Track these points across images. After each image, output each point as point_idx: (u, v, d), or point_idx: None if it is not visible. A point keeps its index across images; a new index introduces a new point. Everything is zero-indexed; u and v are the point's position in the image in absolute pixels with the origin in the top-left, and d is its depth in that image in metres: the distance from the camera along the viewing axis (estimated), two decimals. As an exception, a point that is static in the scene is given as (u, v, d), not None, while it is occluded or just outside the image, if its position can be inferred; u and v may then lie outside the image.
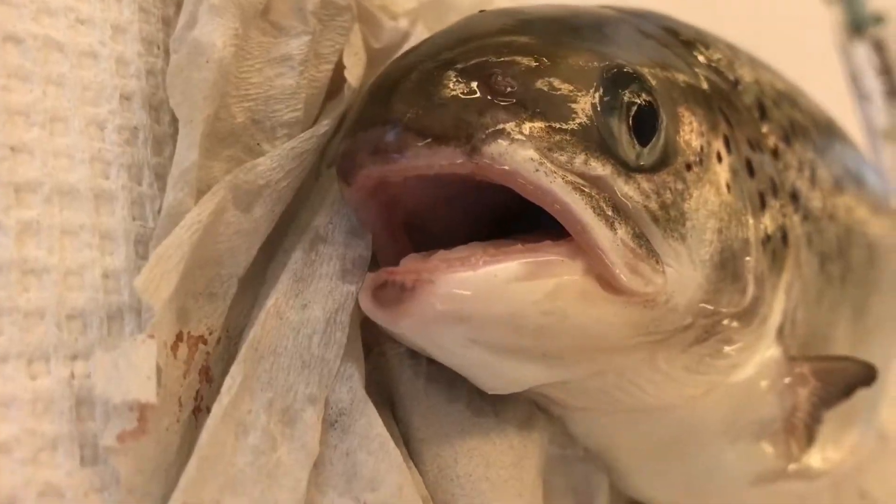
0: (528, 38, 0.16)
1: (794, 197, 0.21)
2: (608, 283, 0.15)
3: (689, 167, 0.16)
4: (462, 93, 0.14)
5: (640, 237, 0.15)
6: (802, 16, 0.80)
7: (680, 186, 0.16)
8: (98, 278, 0.13)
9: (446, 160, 0.13)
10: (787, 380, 0.20)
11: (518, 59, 0.15)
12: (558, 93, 0.15)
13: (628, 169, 0.15)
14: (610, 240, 0.14)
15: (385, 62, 0.16)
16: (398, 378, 0.15)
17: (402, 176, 0.14)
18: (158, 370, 0.12)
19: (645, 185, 0.15)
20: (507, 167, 0.14)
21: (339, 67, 0.16)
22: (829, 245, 0.22)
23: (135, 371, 0.12)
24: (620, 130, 0.15)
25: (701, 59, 0.20)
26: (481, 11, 0.18)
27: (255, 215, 0.14)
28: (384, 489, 0.13)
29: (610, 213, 0.14)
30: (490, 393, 0.15)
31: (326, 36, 0.16)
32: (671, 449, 0.20)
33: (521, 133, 0.14)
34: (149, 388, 0.12)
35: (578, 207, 0.14)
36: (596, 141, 0.15)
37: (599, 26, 0.17)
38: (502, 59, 0.15)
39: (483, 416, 0.16)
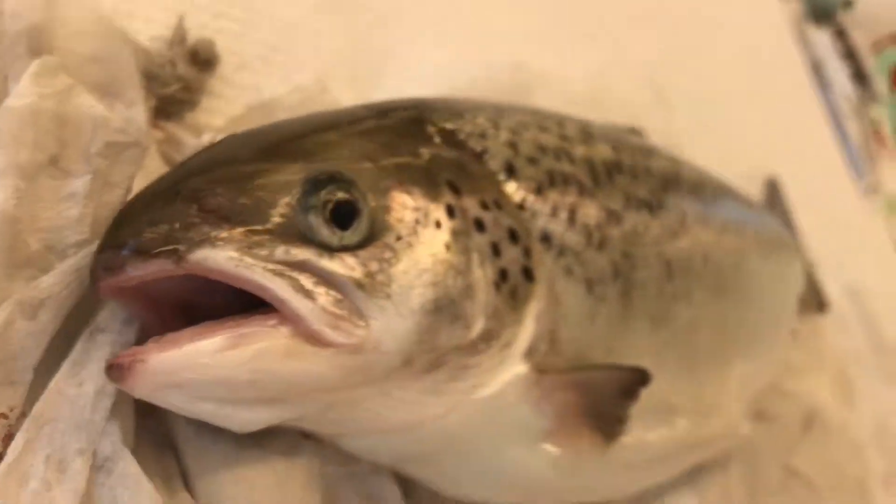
0: (243, 160, 0.20)
1: (546, 239, 0.25)
2: (314, 339, 0.19)
3: (398, 238, 0.20)
4: (173, 214, 0.18)
5: (341, 301, 0.19)
6: (758, 13, 0.84)
7: (388, 255, 0.20)
8: None
9: (160, 269, 0.17)
10: (536, 392, 0.23)
11: (227, 180, 0.19)
12: (261, 203, 0.19)
13: (331, 250, 0.19)
14: (308, 308, 0.18)
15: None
16: (174, 426, 0.19)
17: (131, 284, 0.18)
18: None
19: (349, 260, 0.19)
20: (210, 267, 0.18)
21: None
22: (600, 271, 0.26)
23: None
24: (318, 224, 0.19)
25: (437, 140, 0.23)
26: (230, 135, 0.23)
27: (41, 320, 0.18)
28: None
29: (310, 287, 0.19)
30: (242, 431, 0.20)
31: (116, 168, 0.21)
32: (448, 455, 0.23)
33: (220, 240, 0.18)
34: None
35: (277, 287, 0.18)
36: (296, 235, 0.19)
37: (321, 136, 0.21)
38: (212, 181, 0.19)
39: (247, 450, 0.19)
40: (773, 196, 0.61)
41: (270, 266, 0.18)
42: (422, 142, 0.23)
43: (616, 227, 0.27)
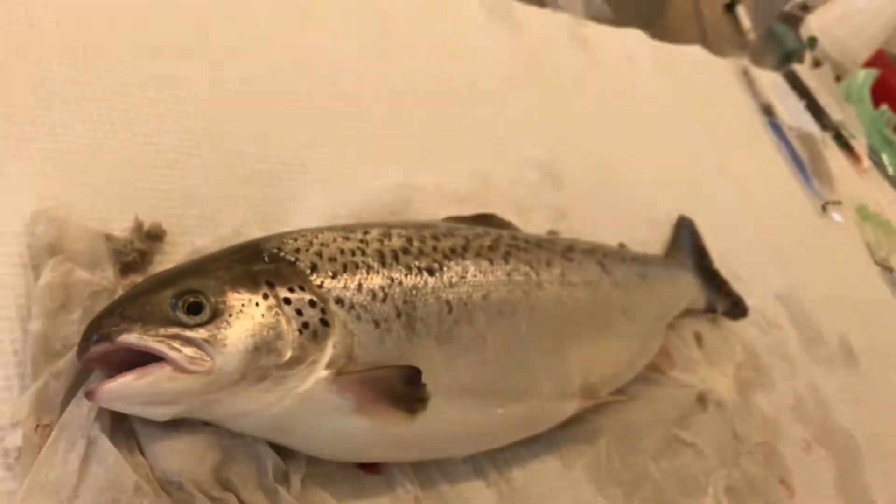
0: (146, 289, 0.37)
1: (339, 301, 0.43)
2: (182, 370, 0.36)
3: (229, 315, 0.36)
4: (110, 320, 0.36)
5: (196, 350, 0.37)
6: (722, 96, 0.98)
7: (223, 324, 0.36)
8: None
9: (105, 346, 0.35)
10: (336, 386, 0.38)
11: (135, 299, 0.36)
12: (152, 309, 0.36)
13: (189, 326, 0.35)
14: (177, 356, 0.34)
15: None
16: (132, 420, 0.37)
17: (97, 355, 0.35)
18: None
19: (200, 330, 0.35)
20: (123, 342, 0.35)
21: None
22: (385, 314, 0.43)
23: None
24: (181, 314, 0.35)
25: (265, 258, 0.40)
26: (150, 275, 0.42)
27: (61, 380, 0.38)
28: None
29: (178, 346, 0.34)
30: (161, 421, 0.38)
31: (97, 304, 0.41)
32: (291, 428, 0.39)
33: (130, 329, 0.35)
34: None
35: (160, 348, 0.34)
36: (170, 321, 0.35)
37: (191, 270, 0.40)
38: (129, 300, 0.36)
39: (169, 430, 0.36)
40: (682, 229, 0.76)
41: (156, 339, 0.36)
42: (254, 261, 0.41)
43: (398, 287, 0.44)
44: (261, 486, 0.39)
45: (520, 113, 0.72)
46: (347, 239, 0.44)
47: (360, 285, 0.42)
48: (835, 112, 1.06)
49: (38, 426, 0.35)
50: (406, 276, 0.44)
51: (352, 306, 0.41)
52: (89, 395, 0.35)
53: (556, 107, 0.77)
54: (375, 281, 0.42)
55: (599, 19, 0.92)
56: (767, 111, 1.02)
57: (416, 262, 0.44)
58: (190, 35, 0.53)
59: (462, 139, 0.65)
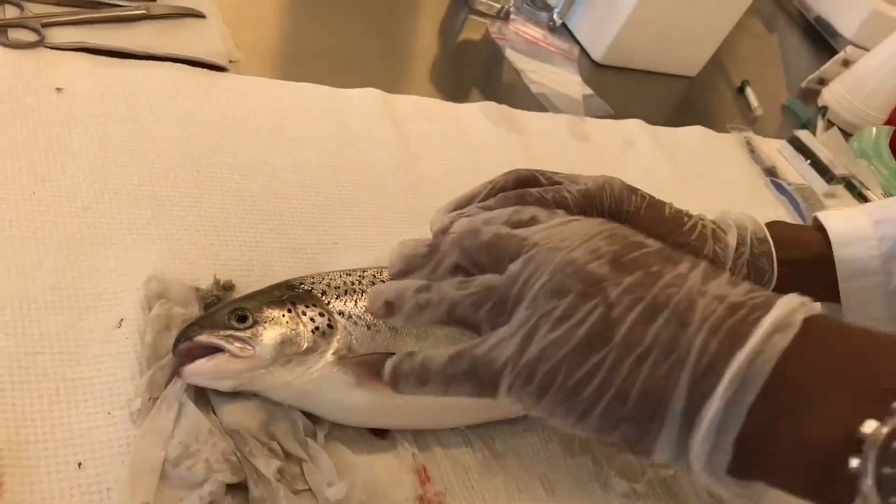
0: (215, 308, 0.58)
1: (341, 312, 0.63)
2: (236, 356, 0.58)
3: (266, 322, 0.55)
4: (190, 326, 0.56)
5: (246, 342, 0.57)
6: (724, 165, 1.14)
7: (262, 328, 0.54)
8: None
9: (185, 345, 0.55)
10: (340, 367, 0.52)
11: (207, 314, 0.57)
12: (217, 318, 0.54)
13: (240, 329, 0.54)
14: (231, 347, 0.52)
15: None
16: (206, 390, 0.60)
17: (184, 350, 0.55)
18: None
19: (248, 332, 0.55)
20: (198, 341, 0.54)
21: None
22: (375, 320, 0.63)
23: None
24: (232, 322, 0.55)
25: (291, 288, 0.60)
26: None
27: (165, 371, 0.61)
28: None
29: (232, 341, 0.55)
30: (225, 391, 0.59)
31: None
32: (313, 398, 0.51)
33: (201, 331, 0.53)
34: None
35: (220, 342, 0.52)
36: (227, 326, 0.54)
37: (246, 296, 0.61)
38: (204, 315, 0.57)
39: (230, 396, 0.56)
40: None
41: (218, 337, 0.57)
42: (282, 290, 0.63)
43: None
44: (295, 438, 0.58)
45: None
46: (349, 275, 0.64)
47: (356, 302, 0.62)
48: (839, 167, 1.19)
49: (150, 398, 0.57)
50: (391, 295, 0.63)
51: (350, 316, 0.60)
52: (178, 374, 0.56)
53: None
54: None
55: (601, 116, 1.12)
56: (770, 173, 1.17)
57: (399, 287, 0.64)
58: (255, 158, 0.77)
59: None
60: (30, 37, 0.69)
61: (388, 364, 0.44)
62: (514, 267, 0.38)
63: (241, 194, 0.73)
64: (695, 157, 1.13)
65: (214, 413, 0.56)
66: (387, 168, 0.83)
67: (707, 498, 0.65)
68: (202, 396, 0.56)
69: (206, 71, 0.82)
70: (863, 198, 1.25)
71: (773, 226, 0.61)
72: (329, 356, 0.57)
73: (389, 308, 0.44)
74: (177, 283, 0.62)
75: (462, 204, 0.57)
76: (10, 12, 0.74)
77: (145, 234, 0.66)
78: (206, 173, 0.73)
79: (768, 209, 1.16)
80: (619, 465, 0.65)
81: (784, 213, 1.15)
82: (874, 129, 1.36)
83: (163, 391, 0.56)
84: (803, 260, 0.59)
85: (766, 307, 0.33)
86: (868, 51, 1.42)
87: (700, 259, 0.37)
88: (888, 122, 1.43)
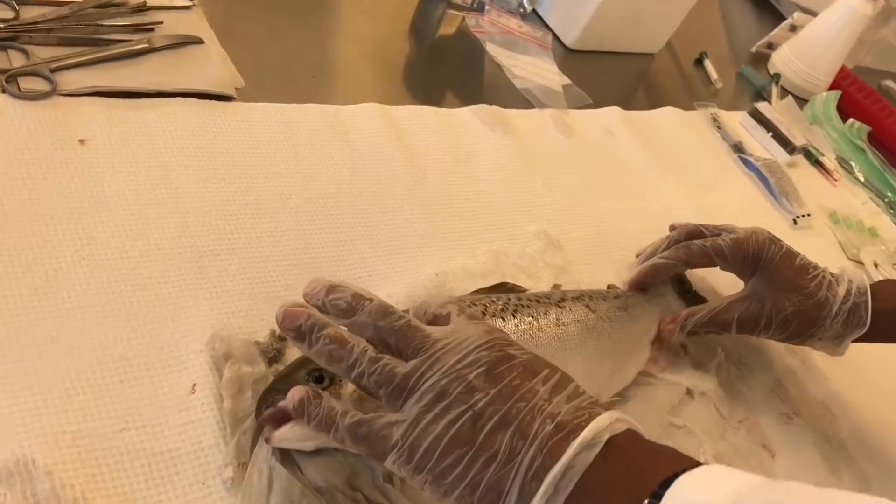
0: (287, 372, 0.63)
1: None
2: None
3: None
4: (270, 392, 0.58)
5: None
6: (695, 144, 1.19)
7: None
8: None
9: (269, 412, 0.57)
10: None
11: (285, 377, 0.59)
12: (296, 381, 0.56)
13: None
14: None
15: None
16: (291, 451, 0.63)
17: (267, 417, 0.60)
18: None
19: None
20: (280, 406, 0.56)
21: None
22: None
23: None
24: (310, 383, 0.57)
25: None
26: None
27: (248, 435, 0.63)
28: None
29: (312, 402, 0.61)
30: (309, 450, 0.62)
31: (260, 385, 0.66)
32: None
33: (282, 397, 0.55)
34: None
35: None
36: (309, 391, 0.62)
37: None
38: (282, 378, 0.60)
39: (314, 454, 0.62)
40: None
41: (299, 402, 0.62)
42: None
43: None
44: (375, 485, 0.62)
45: (521, 198, 0.94)
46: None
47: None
48: (798, 137, 1.26)
49: (239, 464, 0.59)
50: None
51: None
52: (267, 441, 0.59)
53: (551, 186, 0.99)
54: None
55: (581, 106, 1.15)
56: (738, 149, 1.24)
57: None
58: (278, 193, 0.79)
59: (478, 229, 0.87)
60: (42, 85, 0.69)
61: (297, 392, 0.51)
62: (414, 362, 0.47)
63: (273, 236, 0.74)
64: (668, 140, 1.19)
65: (301, 472, 0.59)
66: (399, 189, 0.85)
67: None
68: (287, 456, 0.59)
69: (215, 103, 0.82)
70: (820, 164, 1.33)
71: (880, 283, 0.80)
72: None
73: (301, 336, 0.51)
74: (238, 341, 0.64)
75: (647, 256, 0.83)
76: (16, 59, 0.73)
77: (195, 290, 0.67)
78: (238, 216, 0.74)
79: (738, 186, 1.23)
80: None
81: (753, 189, 1.22)
82: (824, 95, 1.43)
83: (250, 456, 0.58)
84: (891, 311, 0.77)
85: (582, 427, 0.42)
86: (815, 15, 1.49)
87: (559, 370, 0.48)
88: (833, 86, 1.50)
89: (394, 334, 0.49)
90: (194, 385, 0.61)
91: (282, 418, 0.58)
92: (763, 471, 0.81)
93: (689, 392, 0.84)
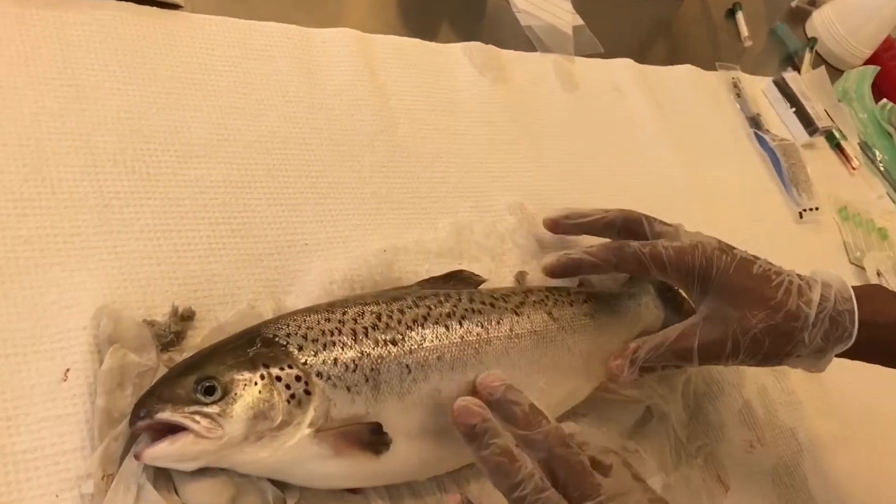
0: (174, 374, 0.51)
1: (319, 374, 0.57)
2: (202, 437, 0.52)
3: (236, 393, 0.50)
4: (149, 398, 0.49)
5: (213, 419, 0.52)
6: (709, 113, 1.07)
7: (230, 401, 0.49)
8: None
9: (147, 421, 0.51)
10: (316, 440, 0.50)
11: (166, 384, 0.50)
12: (181, 390, 0.48)
13: (206, 405, 0.49)
14: (197, 427, 0.47)
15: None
16: (169, 470, 0.54)
17: (142, 427, 0.50)
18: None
19: (214, 407, 0.49)
20: (160, 419, 0.48)
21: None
22: (355, 380, 0.57)
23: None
24: (200, 395, 0.49)
25: (259, 343, 0.52)
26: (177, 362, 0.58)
27: (119, 444, 0.54)
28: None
29: (198, 419, 0.49)
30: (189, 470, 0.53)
31: (145, 381, 0.57)
32: (287, 470, 0.50)
33: (163, 407, 0.48)
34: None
35: (186, 422, 0.47)
36: (192, 400, 0.48)
37: (213, 355, 0.53)
38: (160, 385, 0.50)
39: (196, 475, 0.52)
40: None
41: (182, 415, 0.51)
42: (253, 347, 0.56)
43: (366, 359, 0.58)
44: (265, 508, 0.54)
45: (500, 161, 0.83)
46: (328, 320, 0.57)
47: (335, 360, 0.55)
48: (822, 117, 1.14)
49: (104, 476, 0.50)
50: (373, 348, 0.57)
51: (329, 377, 0.54)
52: (137, 457, 0.50)
53: (538, 150, 0.87)
54: (348, 355, 0.56)
55: (589, 54, 1.02)
56: (754, 122, 1.11)
57: (383, 336, 0.58)
58: (214, 132, 0.67)
59: (442, 194, 0.76)
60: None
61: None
62: None
63: (199, 184, 0.64)
64: (681, 103, 1.07)
65: (177, 493, 0.51)
66: (361, 138, 0.74)
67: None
68: (163, 473, 0.51)
69: (158, 10, 0.70)
70: (840, 149, 1.21)
71: (867, 288, 0.67)
72: (305, 429, 0.53)
73: (472, 437, 0.51)
74: (129, 321, 0.55)
75: (572, 217, 0.72)
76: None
77: (91, 247, 0.57)
78: (160, 157, 0.63)
79: (747, 165, 1.11)
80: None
81: (763, 171, 1.11)
82: (860, 70, 1.30)
83: (118, 467, 0.50)
84: (885, 325, 0.64)
85: None
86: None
87: None
88: (873, 60, 1.36)
89: (566, 469, 0.48)
90: (67, 371, 0.51)
91: (160, 430, 0.50)
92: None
93: (648, 411, 0.75)
